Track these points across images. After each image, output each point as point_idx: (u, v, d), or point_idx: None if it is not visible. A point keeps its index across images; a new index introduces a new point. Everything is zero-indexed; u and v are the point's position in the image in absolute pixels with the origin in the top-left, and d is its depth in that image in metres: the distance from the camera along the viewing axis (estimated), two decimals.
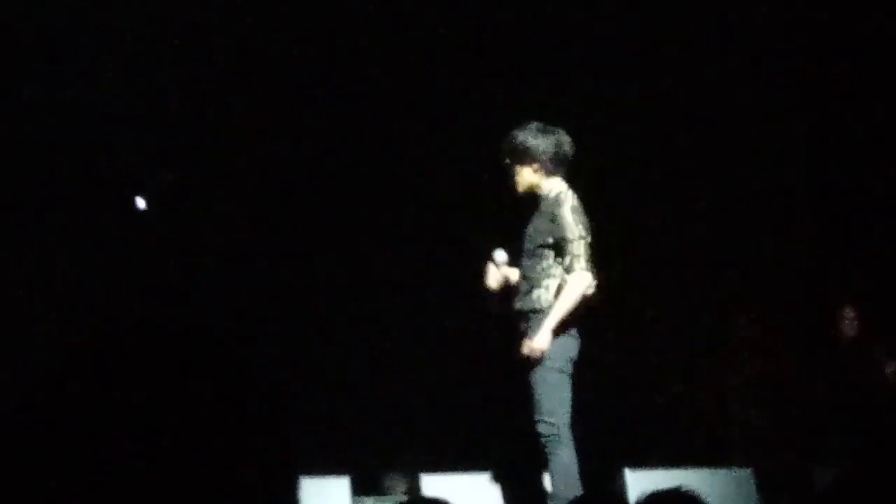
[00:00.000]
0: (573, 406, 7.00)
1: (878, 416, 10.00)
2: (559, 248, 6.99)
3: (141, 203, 11.26)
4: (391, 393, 11.06)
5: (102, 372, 1.28)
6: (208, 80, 10.96)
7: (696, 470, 7.94)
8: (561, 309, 6.89)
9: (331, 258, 11.29)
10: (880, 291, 10.84)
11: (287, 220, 11.18)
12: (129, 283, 10.53)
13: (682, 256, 11.31)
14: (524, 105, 9.03)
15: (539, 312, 6.97)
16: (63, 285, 10.55)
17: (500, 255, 7.27)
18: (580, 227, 6.96)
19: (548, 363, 6.87)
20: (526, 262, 7.13)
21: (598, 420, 7.34)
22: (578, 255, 6.93)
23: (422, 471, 8.08)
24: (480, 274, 7.26)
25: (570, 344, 6.96)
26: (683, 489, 3.74)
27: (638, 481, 7.61)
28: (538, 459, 6.98)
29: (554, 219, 7.00)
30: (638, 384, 11.05)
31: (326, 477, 7.61)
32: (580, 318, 7.01)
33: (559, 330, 6.91)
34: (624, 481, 7.81)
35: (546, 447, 6.87)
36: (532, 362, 6.87)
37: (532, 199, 7.16)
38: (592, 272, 7.00)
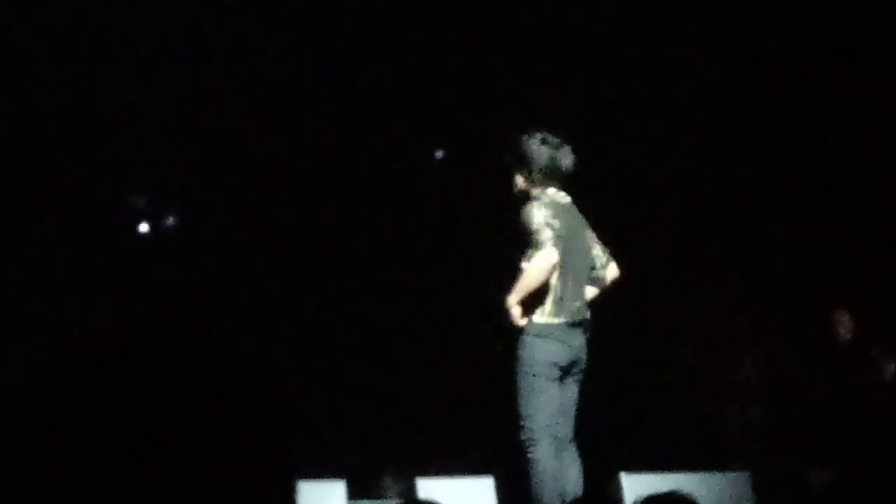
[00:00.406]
0: (577, 411, 6.99)
1: (875, 418, 10.00)
2: (533, 243, 6.98)
3: (144, 227, 11.31)
4: (387, 397, 11.07)
5: (102, 372, 1.29)
6: (208, 81, 10.97)
7: (691, 474, 7.93)
8: (523, 281, 6.85)
9: (330, 260, 11.30)
10: (879, 292, 10.85)
11: (287, 221, 11.19)
12: (129, 283, 10.54)
13: (681, 256, 11.33)
14: (524, 105, 9.04)
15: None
16: (63, 285, 10.56)
17: None
18: (547, 220, 6.90)
19: (524, 368, 6.88)
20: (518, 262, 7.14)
21: (594, 424, 7.31)
22: (544, 241, 6.89)
23: (417, 474, 8.08)
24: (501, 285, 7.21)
25: (550, 348, 6.93)
26: (679, 493, 3.75)
27: (633, 485, 7.61)
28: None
29: (525, 217, 7.01)
30: (635, 387, 11.06)
31: (322, 480, 7.62)
32: (566, 324, 6.98)
33: (536, 335, 6.90)
34: (619, 485, 7.81)
35: (525, 451, 6.88)
36: (512, 367, 6.88)
37: (525, 201, 7.18)
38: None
